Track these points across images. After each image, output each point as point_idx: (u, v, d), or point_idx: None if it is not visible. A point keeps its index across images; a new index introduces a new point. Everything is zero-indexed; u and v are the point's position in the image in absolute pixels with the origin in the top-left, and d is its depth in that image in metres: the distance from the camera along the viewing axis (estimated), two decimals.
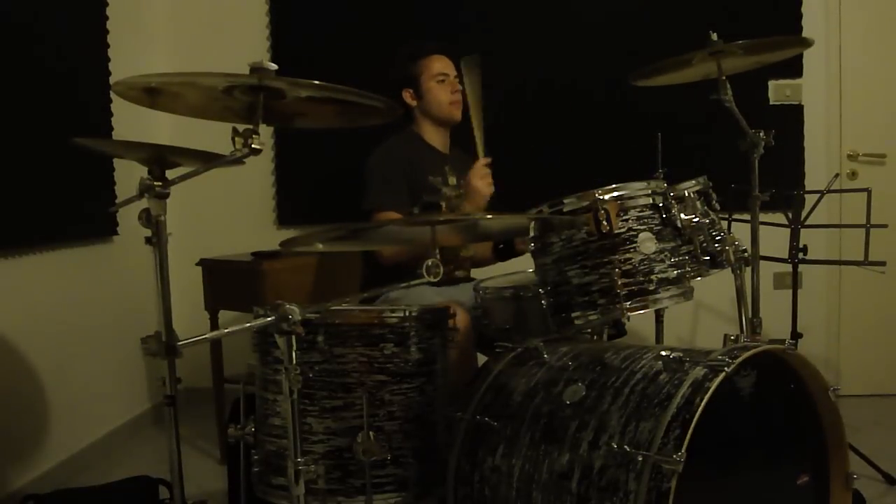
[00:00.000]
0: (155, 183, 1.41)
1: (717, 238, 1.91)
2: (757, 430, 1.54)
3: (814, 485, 1.62)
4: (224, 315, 3.00)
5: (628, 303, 1.74)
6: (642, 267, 1.76)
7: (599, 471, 1.39)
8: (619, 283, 1.74)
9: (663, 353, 1.53)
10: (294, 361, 1.37)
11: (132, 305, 3.17)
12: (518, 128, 3.48)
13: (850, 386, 3.24)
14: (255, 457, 1.71)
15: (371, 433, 1.57)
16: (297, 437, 1.40)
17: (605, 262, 1.76)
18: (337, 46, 3.52)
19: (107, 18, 3.07)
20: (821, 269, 3.41)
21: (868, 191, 2.50)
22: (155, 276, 1.43)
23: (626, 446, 1.36)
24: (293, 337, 1.37)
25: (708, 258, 1.88)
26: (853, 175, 3.52)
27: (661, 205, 1.81)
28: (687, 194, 1.89)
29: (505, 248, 2.44)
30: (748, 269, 2.01)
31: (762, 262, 2.15)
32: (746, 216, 2.12)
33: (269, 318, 1.37)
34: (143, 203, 1.42)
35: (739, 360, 1.40)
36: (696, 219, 1.84)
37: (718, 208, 2.01)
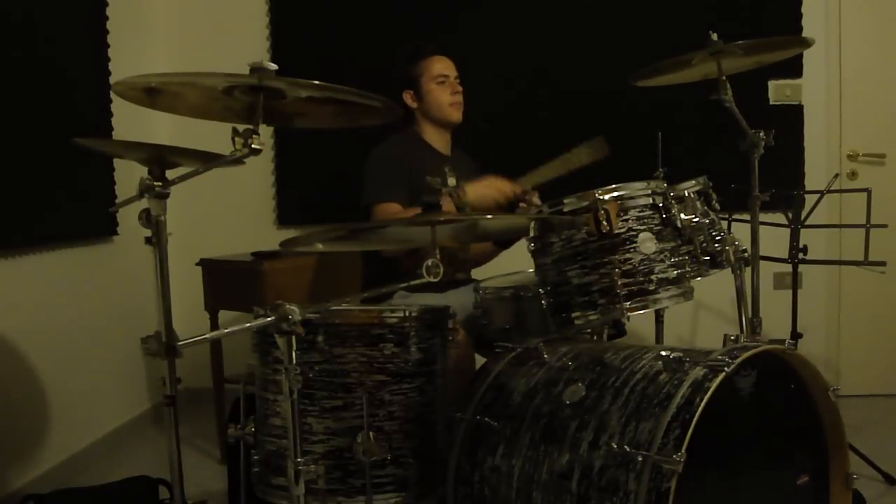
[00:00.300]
0: (155, 183, 1.40)
1: (717, 238, 1.91)
2: (757, 431, 1.54)
3: (814, 485, 1.62)
4: (224, 315, 2.99)
5: (628, 303, 1.74)
6: (642, 267, 1.76)
7: (599, 471, 1.39)
8: (619, 283, 1.74)
9: (663, 353, 1.53)
10: (294, 361, 1.37)
11: (132, 305, 3.17)
12: (518, 128, 3.48)
13: (850, 386, 3.24)
14: (255, 457, 1.70)
15: (371, 433, 1.57)
16: (297, 437, 1.40)
17: (605, 262, 1.76)
18: (337, 46, 3.52)
19: (107, 18, 3.06)
20: (821, 269, 3.41)
21: (868, 191, 2.50)
22: (155, 276, 1.43)
23: (626, 446, 1.36)
24: (293, 337, 1.37)
25: (708, 258, 1.88)
26: (853, 175, 3.52)
27: (661, 205, 1.81)
28: (687, 194, 1.89)
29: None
30: (748, 269, 2.01)
31: (762, 262, 2.15)
32: (746, 216, 2.11)
33: (269, 318, 1.37)
34: (143, 203, 1.42)
35: (739, 360, 1.40)
36: (696, 219, 1.84)
37: (718, 208, 2.01)
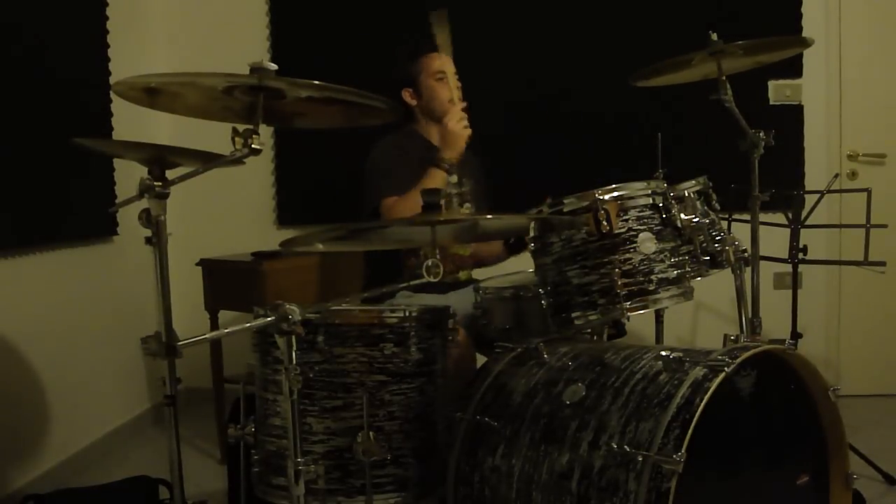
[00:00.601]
0: (155, 183, 1.40)
1: (717, 238, 1.91)
2: (757, 431, 1.54)
3: (814, 485, 1.62)
4: (224, 315, 3.00)
5: (628, 303, 1.74)
6: (642, 267, 1.76)
7: (599, 471, 1.39)
8: (619, 283, 1.74)
9: (663, 353, 1.53)
10: (294, 361, 1.37)
11: (132, 305, 3.17)
12: (518, 128, 3.48)
13: (850, 386, 3.23)
14: (255, 457, 1.70)
15: (371, 433, 1.57)
16: (297, 437, 1.40)
17: (605, 262, 1.76)
18: (337, 46, 3.52)
19: (107, 18, 3.07)
20: (821, 269, 3.41)
21: (868, 191, 2.50)
22: (155, 276, 1.43)
23: (626, 446, 1.36)
24: (293, 337, 1.37)
25: (708, 258, 1.88)
26: (853, 175, 3.52)
27: (661, 205, 1.81)
28: (687, 194, 1.89)
29: (516, 242, 2.42)
30: (748, 269, 2.01)
31: (762, 262, 2.14)
32: (746, 216, 2.11)
33: (269, 319, 1.37)
34: (143, 203, 1.42)
35: (739, 360, 1.40)
36: (696, 219, 1.84)
37: (718, 208, 2.01)
